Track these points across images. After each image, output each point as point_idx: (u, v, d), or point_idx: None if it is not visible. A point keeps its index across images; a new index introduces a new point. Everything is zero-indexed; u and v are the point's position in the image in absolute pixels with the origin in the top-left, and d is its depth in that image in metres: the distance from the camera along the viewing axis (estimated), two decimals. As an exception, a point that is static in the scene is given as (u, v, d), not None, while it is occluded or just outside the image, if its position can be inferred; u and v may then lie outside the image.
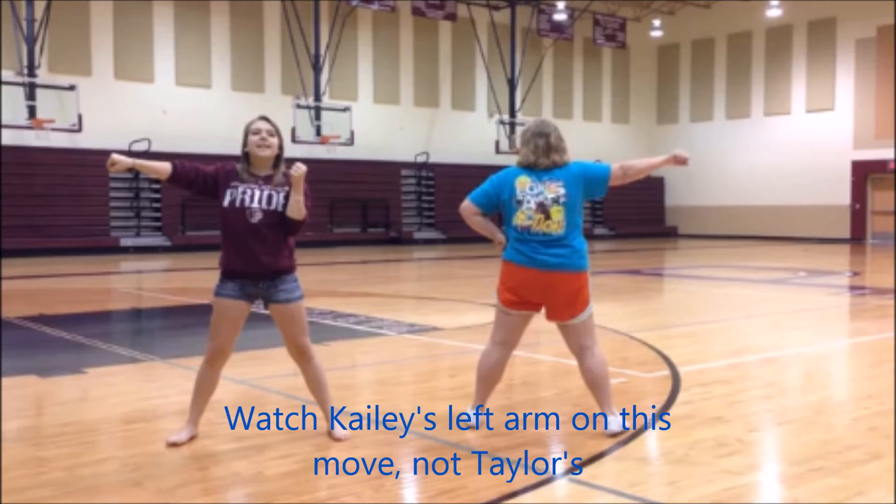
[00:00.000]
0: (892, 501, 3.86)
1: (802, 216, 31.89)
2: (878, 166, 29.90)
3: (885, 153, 29.56)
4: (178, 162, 4.89)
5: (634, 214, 35.61)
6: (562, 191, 4.91)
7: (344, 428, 4.95)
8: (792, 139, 32.15)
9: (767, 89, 32.95)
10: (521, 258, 4.92)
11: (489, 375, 5.13)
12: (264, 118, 4.90)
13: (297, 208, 4.77)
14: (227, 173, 4.84)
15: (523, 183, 4.95)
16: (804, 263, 19.63)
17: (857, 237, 30.51)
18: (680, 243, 30.49)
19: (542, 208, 4.89)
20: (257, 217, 4.74)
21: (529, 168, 4.99)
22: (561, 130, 5.11)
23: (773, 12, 30.06)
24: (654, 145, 36.70)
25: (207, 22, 26.03)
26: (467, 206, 5.11)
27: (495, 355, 5.11)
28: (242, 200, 4.75)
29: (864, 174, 30.35)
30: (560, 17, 31.20)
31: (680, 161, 5.04)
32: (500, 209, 5.07)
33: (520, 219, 4.93)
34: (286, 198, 4.79)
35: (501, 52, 30.78)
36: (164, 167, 4.85)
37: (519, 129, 30.75)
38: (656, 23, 33.24)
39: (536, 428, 5.13)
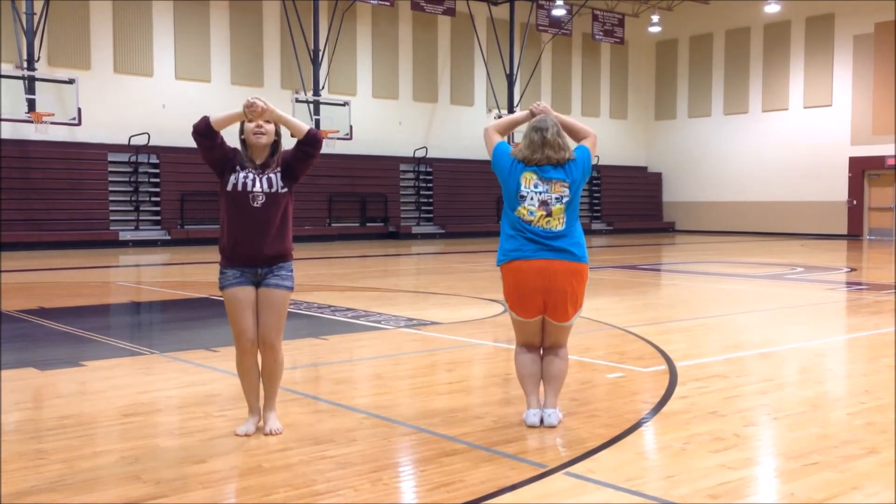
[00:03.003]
0: (889, 495, 3.88)
1: (800, 212, 31.91)
2: (875, 162, 29.92)
3: (882, 149, 29.58)
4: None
5: (632, 210, 35.63)
6: (566, 192, 4.99)
7: (277, 423, 4.94)
8: (789, 135, 32.15)
9: (765, 85, 32.95)
10: (522, 254, 4.96)
11: (531, 374, 5.18)
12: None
13: (295, 127, 4.88)
14: (235, 155, 4.90)
15: (528, 179, 4.99)
16: (801, 259, 19.65)
17: (855, 233, 30.54)
18: (677, 238, 30.50)
19: (545, 206, 4.96)
20: (260, 200, 4.80)
21: (527, 162, 5.01)
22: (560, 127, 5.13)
23: (772, 8, 30.05)
24: (652, 141, 36.73)
25: (207, 16, 26.00)
26: (491, 133, 5.29)
27: (526, 357, 5.19)
28: (245, 185, 4.80)
29: (862, 170, 30.36)
30: (559, 12, 31.18)
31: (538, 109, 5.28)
32: (502, 177, 5.09)
33: (522, 213, 4.99)
34: (282, 179, 4.85)
35: (500, 48, 30.76)
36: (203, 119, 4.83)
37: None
38: (655, 18, 33.22)
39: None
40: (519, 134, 30.03)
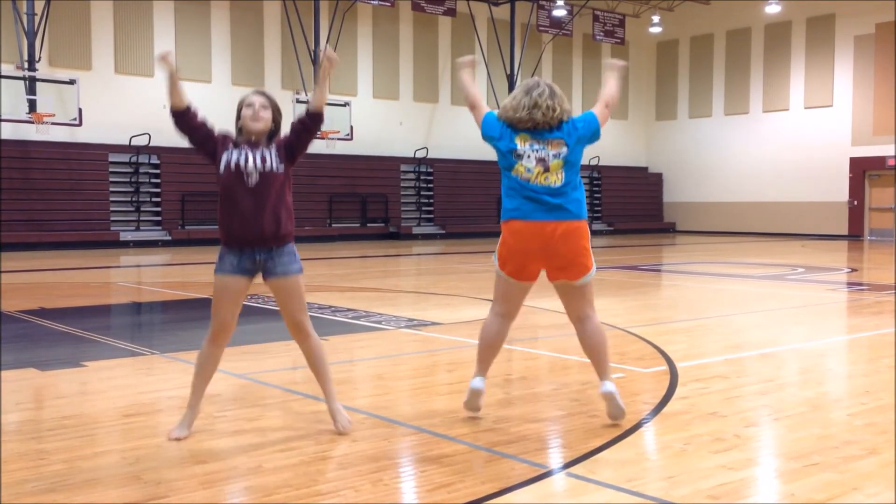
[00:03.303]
0: (890, 496, 3.88)
1: (800, 212, 31.90)
2: (876, 163, 29.92)
3: (883, 150, 29.58)
4: (196, 110, 4.92)
5: (632, 210, 35.64)
6: (564, 149, 4.94)
7: (345, 414, 4.94)
8: (790, 135, 32.15)
9: (766, 85, 32.95)
10: (520, 213, 4.92)
11: (492, 345, 5.17)
12: (259, 92, 4.90)
13: (321, 98, 4.83)
14: (224, 139, 4.86)
15: (524, 139, 4.95)
16: (802, 260, 19.65)
17: (855, 234, 30.53)
18: (678, 239, 30.49)
19: (543, 163, 4.91)
20: (254, 179, 4.72)
21: (515, 125, 4.97)
22: (557, 89, 5.07)
23: (772, 9, 30.06)
24: (653, 141, 36.73)
25: (207, 16, 26.01)
26: (478, 114, 5.21)
27: (497, 326, 5.15)
28: (238, 164, 4.73)
29: (862, 171, 30.36)
30: (559, 12, 31.19)
31: (617, 66, 5.38)
32: (495, 140, 5.06)
33: (519, 171, 4.94)
34: (279, 157, 4.79)
35: (501, 48, 30.77)
36: (184, 98, 4.85)
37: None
38: (655, 19, 33.22)
39: (534, 423, 5.14)
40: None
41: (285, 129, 4.95)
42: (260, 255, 4.80)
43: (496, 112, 5.16)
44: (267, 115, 4.83)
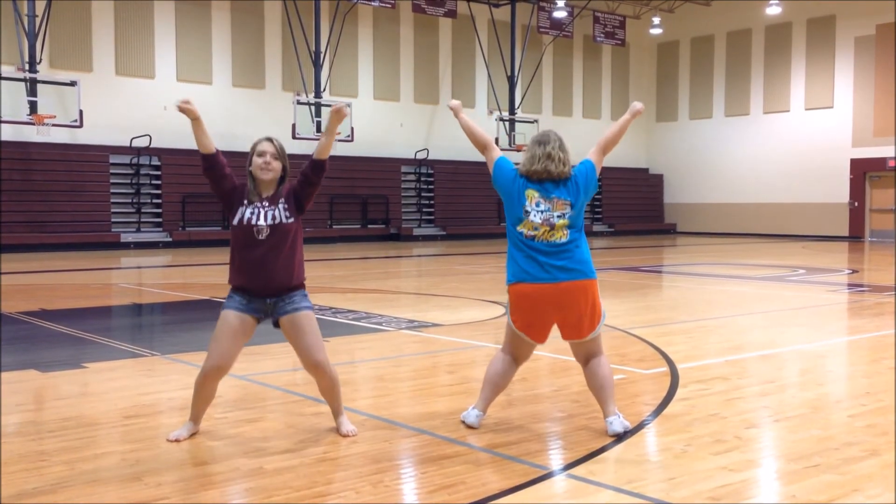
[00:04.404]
0: (890, 497, 3.88)
1: (801, 214, 31.90)
2: (876, 164, 29.91)
3: (883, 151, 29.58)
4: (219, 154, 4.97)
5: (633, 211, 35.64)
6: (568, 209, 4.96)
7: (351, 425, 4.97)
8: (791, 137, 32.16)
9: (766, 87, 32.95)
10: (528, 276, 4.92)
11: (496, 384, 5.14)
12: (270, 140, 4.94)
13: (326, 148, 4.88)
14: (241, 189, 4.92)
15: (532, 197, 4.98)
16: (803, 261, 19.65)
17: (856, 235, 30.53)
18: (679, 240, 30.49)
19: (548, 223, 4.93)
20: (265, 234, 4.79)
21: (529, 176, 5.00)
22: (564, 141, 5.10)
23: (773, 10, 30.06)
24: (654, 142, 36.72)
25: (208, 18, 26.02)
26: (490, 155, 5.26)
27: (503, 366, 5.14)
28: (249, 219, 4.80)
29: (863, 172, 30.36)
30: (560, 14, 31.18)
31: (637, 112, 5.32)
32: (505, 192, 5.08)
33: (526, 227, 4.95)
34: (288, 210, 4.85)
35: (501, 49, 30.78)
36: (212, 144, 4.93)
37: (519, 126, 30.79)
38: (656, 20, 33.22)
39: (535, 424, 5.14)
40: (520, 136, 30.14)
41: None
42: (270, 301, 4.86)
43: (511, 163, 5.19)
44: (277, 165, 4.89)
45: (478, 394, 5.18)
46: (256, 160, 4.87)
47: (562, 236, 4.93)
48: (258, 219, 4.81)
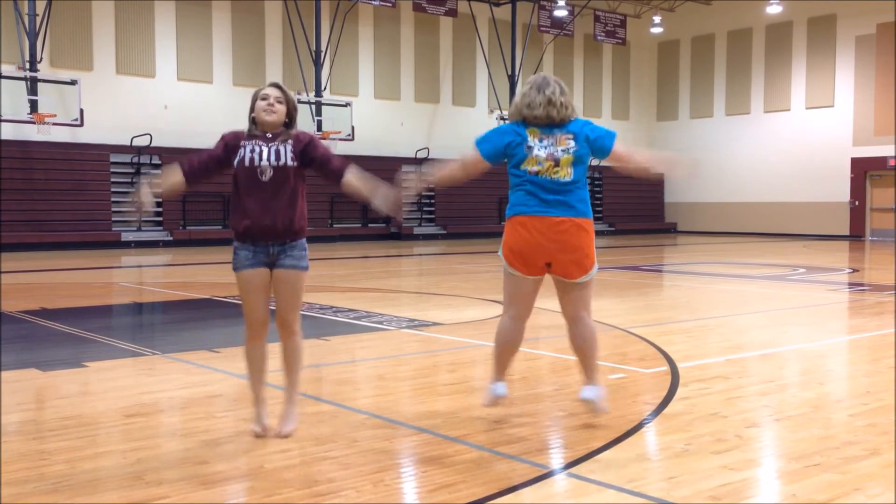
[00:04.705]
0: (891, 497, 3.88)
1: (801, 213, 31.90)
2: (877, 163, 29.91)
3: (884, 150, 29.58)
4: (185, 162, 4.88)
5: (634, 210, 35.64)
6: (572, 143, 4.92)
7: (295, 423, 4.89)
8: (791, 136, 32.16)
9: (767, 86, 32.95)
10: (527, 208, 4.90)
11: (509, 347, 5.14)
12: (275, 85, 4.90)
13: (352, 189, 5.06)
14: (233, 137, 4.83)
15: (534, 133, 4.94)
16: (803, 260, 19.65)
17: (857, 234, 30.53)
18: (679, 239, 30.49)
19: (553, 157, 4.89)
20: (268, 174, 4.71)
21: (528, 121, 4.96)
22: (563, 84, 5.04)
23: (774, 9, 30.05)
24: (654, 141, 36.71)
25: (209, 17, 26.03)
26: (475, 156, 5.09)
27: (511, 327, 5.11)
28: (251, 159, 4.72)
29: (864, 171, 30.37)
30: (560, 13, 31.19)
31: (675, 166, 5.36)
32: (505, 156, 5.05)
33: (530, 163, 4.91)
34: (293, 151, 4.76)
35: (502, 48, 30.78)
36: (178, 178, 4.86)
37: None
38: (656, 19, 33.23)
39: (535, 423, 5.14)
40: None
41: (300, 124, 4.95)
42: (273, 248, 4.79)
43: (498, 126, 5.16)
44: (281, 108, 4.82)
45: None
46: (260, 104, 4.80)
47: (566, 175, 4.88)
48: (261, 158, 4.71)
